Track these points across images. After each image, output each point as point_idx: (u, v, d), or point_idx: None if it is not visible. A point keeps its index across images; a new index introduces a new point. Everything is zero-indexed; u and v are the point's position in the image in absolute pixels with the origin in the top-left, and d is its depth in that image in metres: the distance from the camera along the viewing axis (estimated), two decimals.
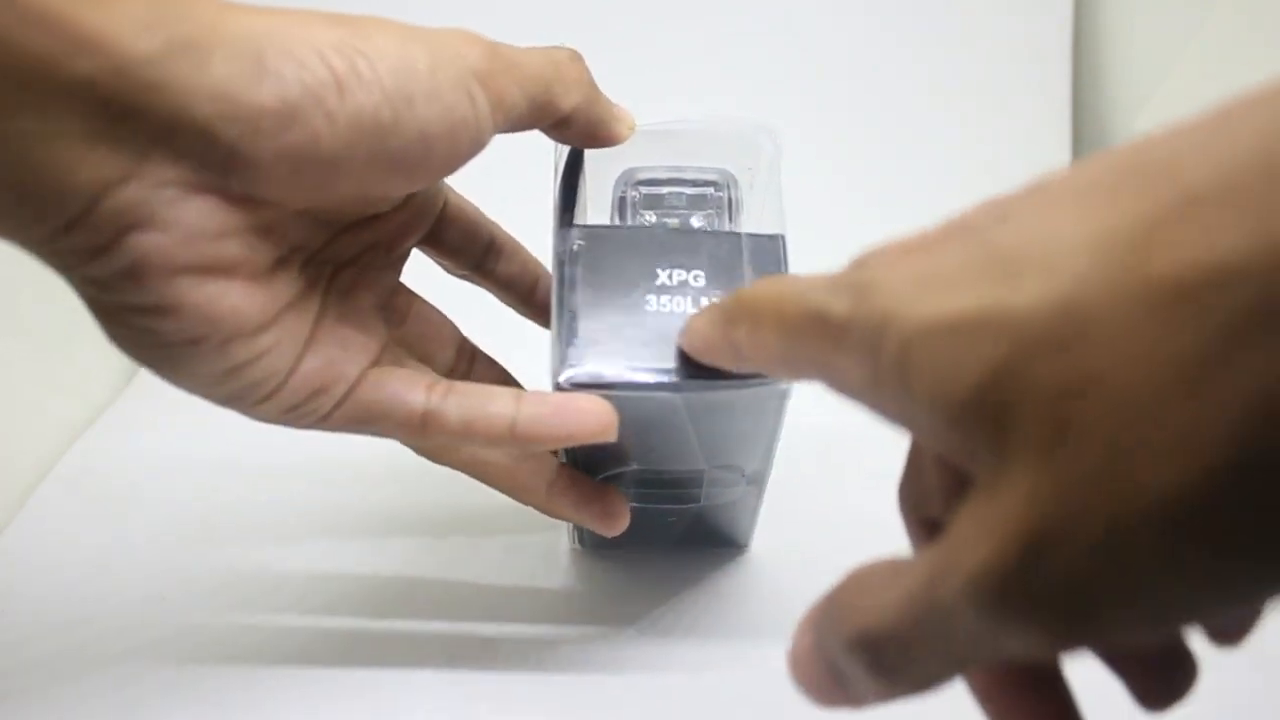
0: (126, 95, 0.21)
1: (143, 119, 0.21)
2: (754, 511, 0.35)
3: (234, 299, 0.24)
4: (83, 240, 0.22)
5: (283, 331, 0.25)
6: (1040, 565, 0.14)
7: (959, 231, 0.17)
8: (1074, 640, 0.15)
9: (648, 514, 0.33)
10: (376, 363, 0.28)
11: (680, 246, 0.28)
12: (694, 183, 0.31)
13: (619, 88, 0.30)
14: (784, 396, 0.28)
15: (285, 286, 0.26)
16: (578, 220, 0.29)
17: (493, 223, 0.34)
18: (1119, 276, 0.14)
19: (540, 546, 0.37)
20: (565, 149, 0.30)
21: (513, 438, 0.27)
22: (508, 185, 0.42)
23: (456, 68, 0.24)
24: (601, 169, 0.31)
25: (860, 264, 0.19)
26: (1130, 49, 0.66)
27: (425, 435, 0.27)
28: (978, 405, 0.15)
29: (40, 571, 0.37)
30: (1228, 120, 0.14)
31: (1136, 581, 0.13)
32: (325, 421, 0.27)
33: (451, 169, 0.26)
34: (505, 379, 0.33)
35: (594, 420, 0.26)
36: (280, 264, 0.25)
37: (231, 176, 0.22)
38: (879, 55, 0.68)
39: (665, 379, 0.26)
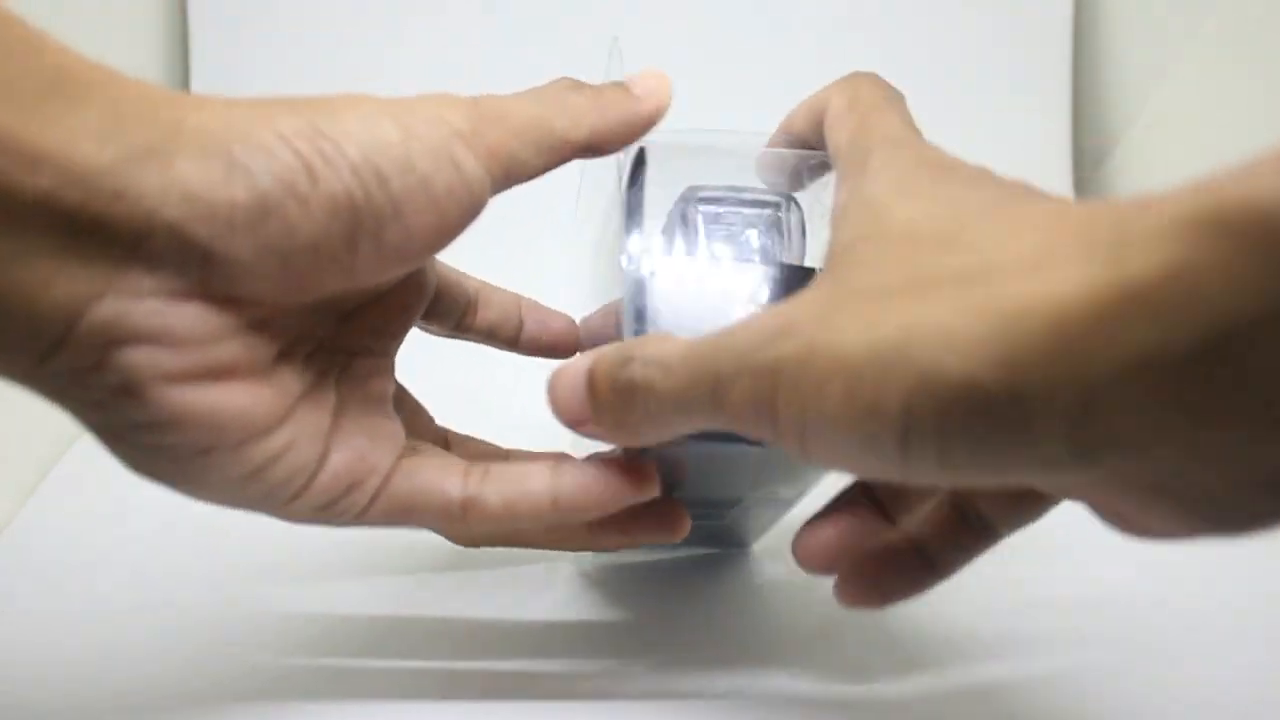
0: (90, 208, 0.20)
1: (111, 230, 0.20)
2: (774, 523, 0.35)
3: (239, 401, 0.23)
4: (70, 362, 0.21)
5: (299, 427, 0.24)
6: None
7: None
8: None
9: None
10: (404, 453, 0.27)
11: (755, 282, 0.27)
12: (754, 203, 0.29)
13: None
14: None
15: (293, 380, 0.25)
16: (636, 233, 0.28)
17: (467, 276, 0.33)
18: None
19: (541, 572, 0.37)
20: (629, 157, 0.29)
21: (556, 512, 0.26)
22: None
23: (434, 135, 0.23)
24: (664, 179, 0.29)
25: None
26: (1130, 49, 0.66)
27: (468, 522, 0.26)
28: None
29: (40, 571, 0.37)
30: None
31: None
32: (363, 517, 0.26)
33: (444, 241, 0.24)
34: (486, 454, 0.32)
35: (636, 484, 0.26)
36: (283, 357, 0.25)
37: (213, 278, 0.22)
38: (879, 57, 0.67)
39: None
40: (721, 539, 0.37)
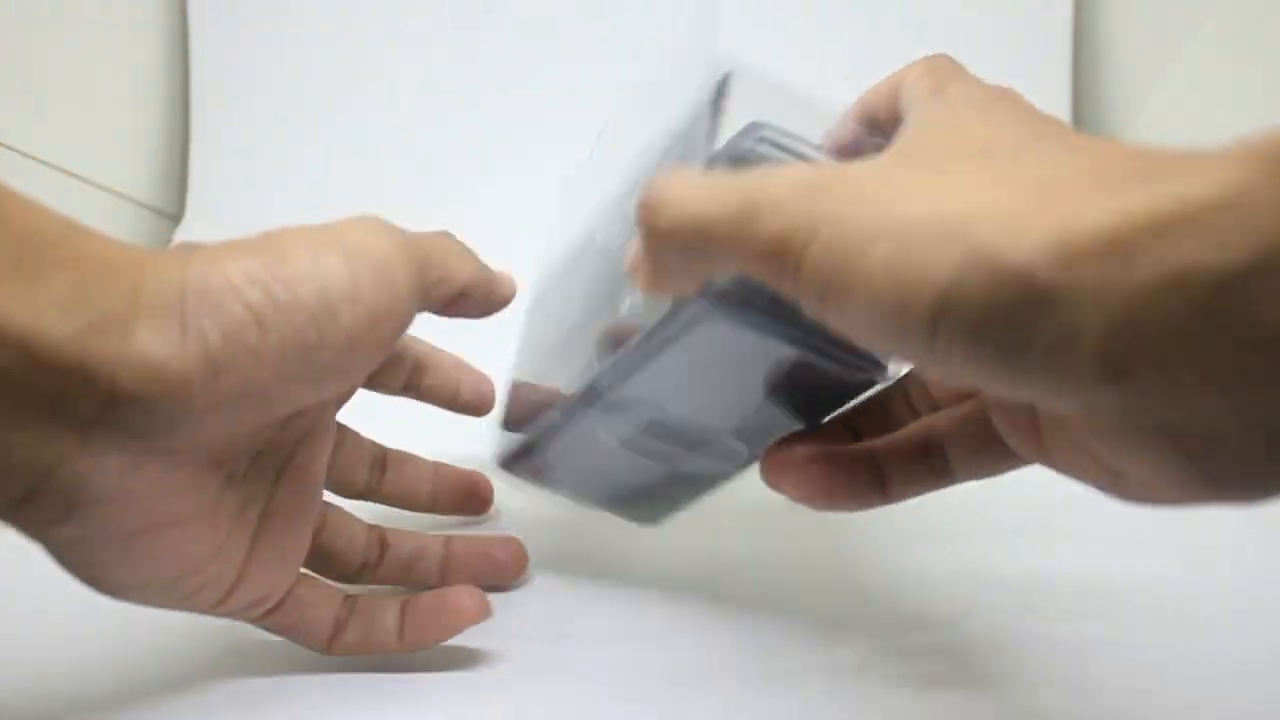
0: (51, 383, 0.21)
1: (74, 403, 0.21)
2: (707, 493, 0.35)
3: (184, 547, 0.25)
4: (36, 515, 0.22)
5: (224, 560, 0.26)
6: None
7: None
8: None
9: (616, 459, 0.33)
10: (302, 573, 0.30)
11: None
12: (809, 158, 0.28)
13: None
14: (866, 388, 0.28)
15: (231, 507, 0.26)
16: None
17: (415, 340, 0.34)
18: None
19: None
20: (714, 79, 0.29)
21: (403, 646, 0.30)
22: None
23: (373, 260, 0.25)
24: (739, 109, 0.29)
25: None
26: (1130, 49, 0.66)
27: (331, 651, 0.30)
28: None
29: (40, 571, 0.37)
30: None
31: None
32: (259, 622, 0.29)
33: (381, 359, 0.26)
34: (417, 473, 0.36)
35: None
36: (228, 481, 0.26)
37: (174, 436, 0.23)
38: (879, 56, 0.67)
39: (791, 331, 0.25)
40: (643, 499, 0.36)
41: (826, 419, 0.30)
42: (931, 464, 0.27)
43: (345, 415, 0.33)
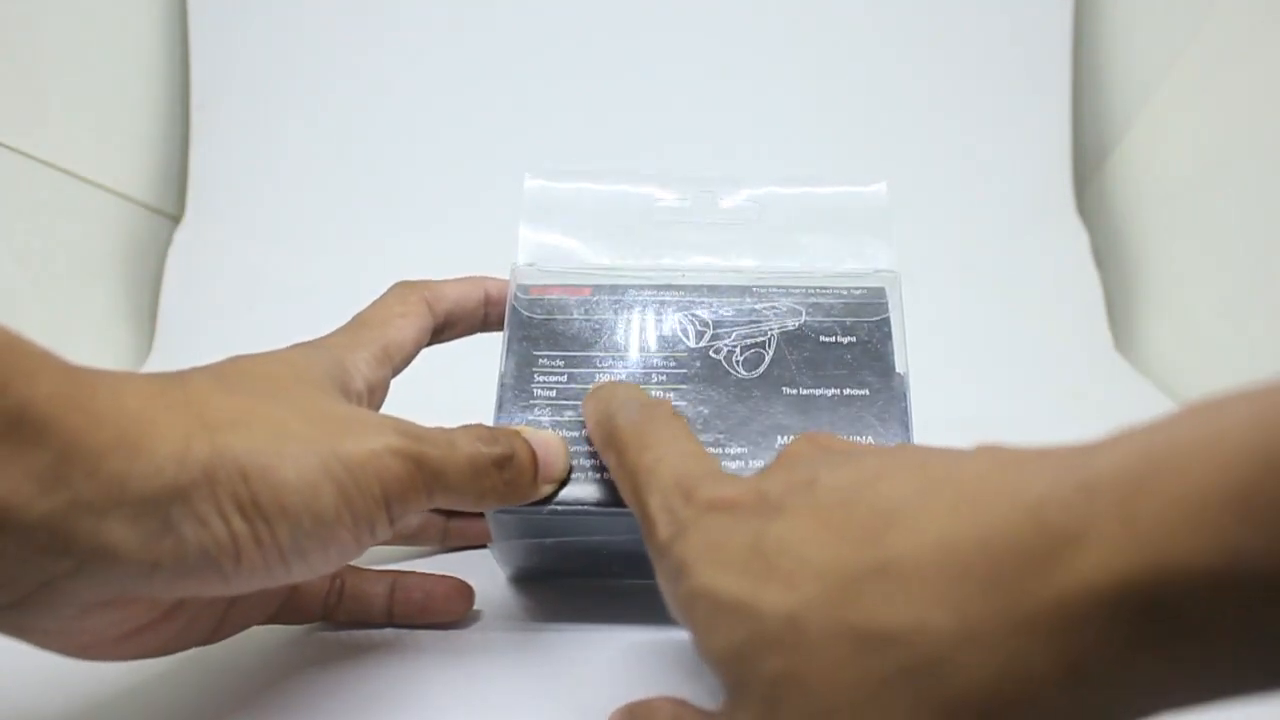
0: (17, 547, 0.21)
1: (37, 566, 0.22)
2: None
3: (144, 640, 0.26)
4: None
5: (194, 628, 0.28)
6: None
7: (751, 508, 0.22)
8: None
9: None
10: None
11: None
12: None
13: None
14: None
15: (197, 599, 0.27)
16: None
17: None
18: (829, 611, 0.19)
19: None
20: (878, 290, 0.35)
21: (389, 622, 0.33)
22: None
23: (366, 496, 0.25)
24: None
25: (691, 496, 0.24)
26: (1130, 49, 0.66)
27: (329, 621, 0.33)
28: (723, 665, 0.21)
29: None
30: (973, 497, 0.19)
31: None
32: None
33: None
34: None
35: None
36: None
37: (132, 597, 0.24)
38: (880, 57, 0.68)
39: None
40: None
41: None
42: None
43: None
